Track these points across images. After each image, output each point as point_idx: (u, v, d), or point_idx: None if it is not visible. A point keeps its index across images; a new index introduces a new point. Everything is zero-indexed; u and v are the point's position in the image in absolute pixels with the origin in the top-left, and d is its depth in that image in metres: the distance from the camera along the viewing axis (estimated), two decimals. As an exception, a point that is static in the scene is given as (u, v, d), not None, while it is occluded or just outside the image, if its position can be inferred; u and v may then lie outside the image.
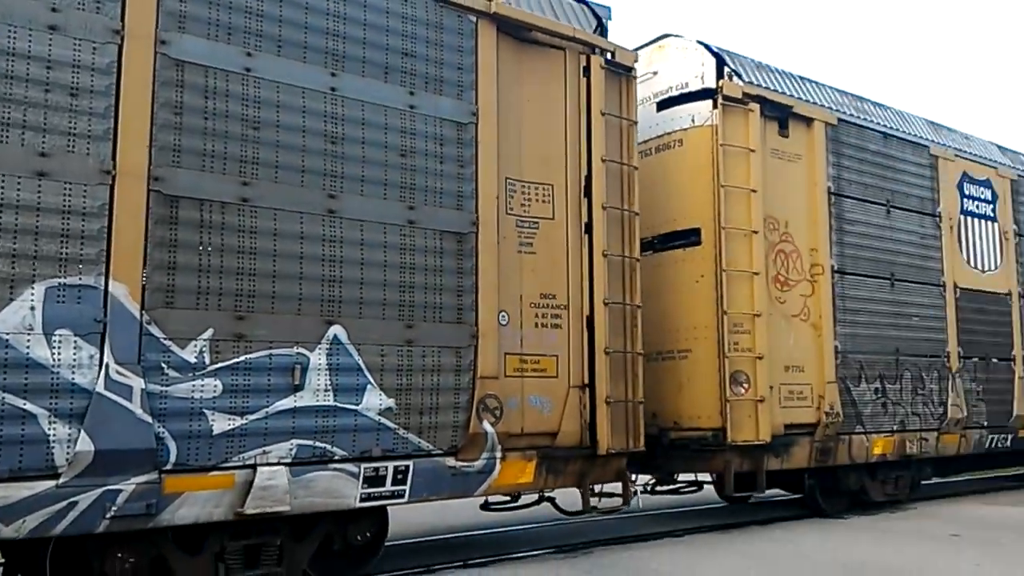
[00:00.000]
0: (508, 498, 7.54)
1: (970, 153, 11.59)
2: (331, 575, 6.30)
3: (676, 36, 9.30)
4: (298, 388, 5.73)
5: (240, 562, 5.74)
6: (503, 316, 6.82)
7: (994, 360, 11.18)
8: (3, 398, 4.70)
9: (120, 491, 5.03)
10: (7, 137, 4.89)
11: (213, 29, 5.68)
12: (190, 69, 5.55)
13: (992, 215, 11.59)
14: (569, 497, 7.63)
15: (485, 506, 7.71)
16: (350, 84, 6.23)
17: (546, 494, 7.65)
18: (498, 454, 6.64)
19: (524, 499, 7.62)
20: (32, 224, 4.90)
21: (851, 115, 10.09)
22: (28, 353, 4.80)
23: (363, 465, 5.98)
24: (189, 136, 5.51)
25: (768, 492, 9.46)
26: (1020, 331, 11.56)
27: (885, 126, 10.48)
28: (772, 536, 8.47)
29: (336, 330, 5.94)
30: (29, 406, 4.78)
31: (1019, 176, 12.16)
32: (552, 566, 6.94)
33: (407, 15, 6.58)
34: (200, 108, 5.57)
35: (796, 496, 10.50)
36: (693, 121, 8.91)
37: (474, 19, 6.92)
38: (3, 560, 5.70)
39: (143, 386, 5.12)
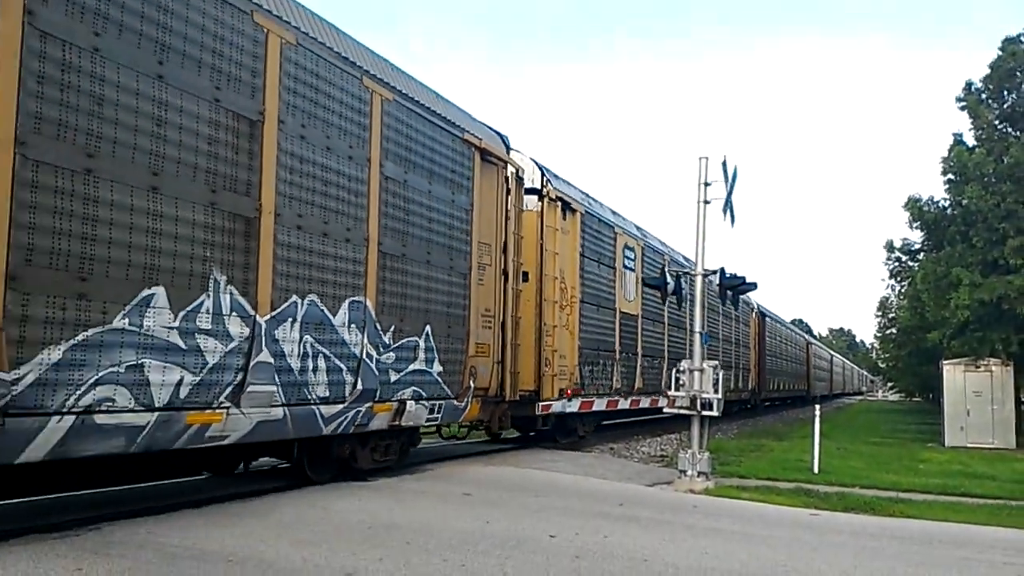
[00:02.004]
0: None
1: (626, 230, 19.38)
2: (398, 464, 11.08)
3: (517, 150, 15.12)
4: (415, 359, 10.51)
5: (377, 453, 10.38)
6: (473, 322, 12.11)
7: (631, 354, 19.10)
8: (335, 361, 8.94)
9: (361, 411, 9.48)
10: (339, 220, 9.04)
11: (395, 158, 10.16)
12: (387, 182, 10.00)
13: (634, 268, 19.53)
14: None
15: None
16: (437, 188, 11.04)
17: (439, 425, 13.07)
18: (471, 398, 11.95)
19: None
20: (347, 268, 9.13)
21: (588, 206, 16.96)
22: (343, 337, 9.08)
23: (429, 402, 10.91)
24: (392, 220, 9.97)
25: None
26: (641, 338, 19.72)
27: (601, 215, 17.59)
28: (309, 500, 8.51)
29: (428, 327, 10.79)
30: (340, 364, 9.06)
31: (645, 245, 20.39)
32: (48, 547, 6.06)
33: (450, 146, 11.52)
34: (392, 203, 10.05)
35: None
36: (527, 206, 14.88)
37: (473, 150, 12.06)
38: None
39: (375, 355, 9.60)
